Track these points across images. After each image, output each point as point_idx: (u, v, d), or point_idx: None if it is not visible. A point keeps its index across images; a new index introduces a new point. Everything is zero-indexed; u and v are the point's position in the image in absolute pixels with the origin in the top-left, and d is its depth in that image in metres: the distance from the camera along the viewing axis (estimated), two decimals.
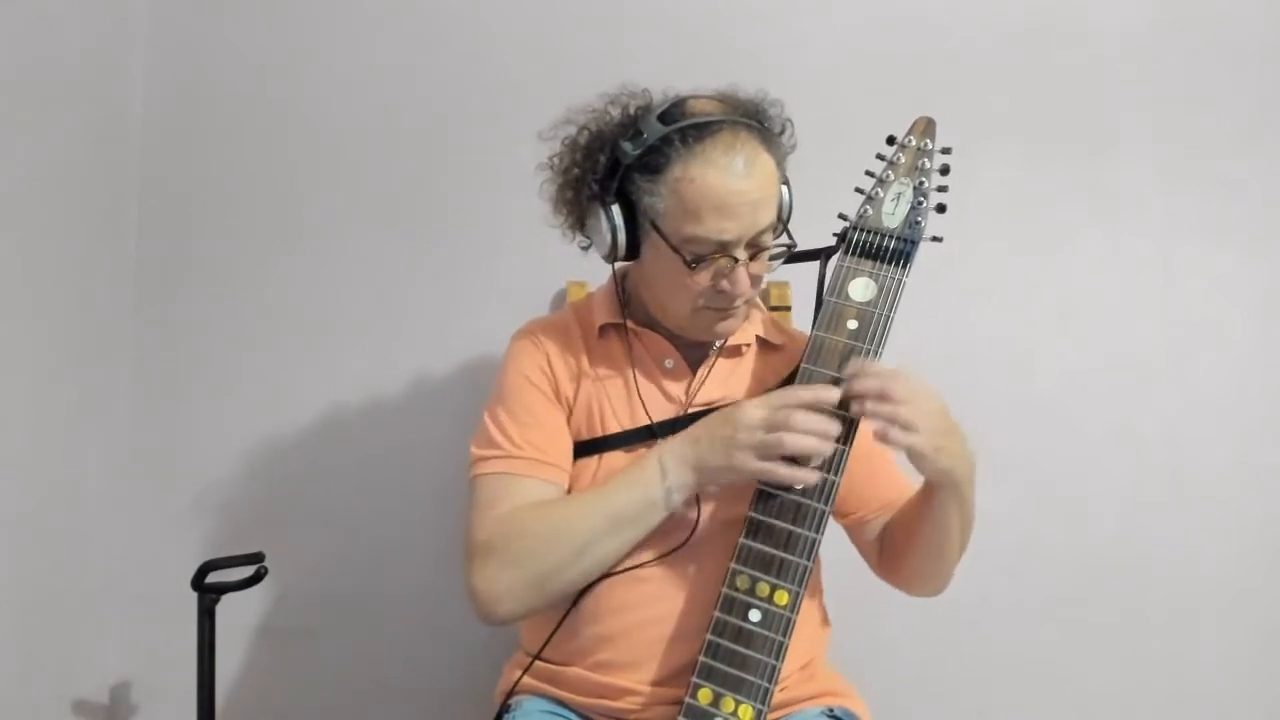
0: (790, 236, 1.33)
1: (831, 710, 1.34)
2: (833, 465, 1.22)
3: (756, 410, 1.22)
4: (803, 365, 1.27)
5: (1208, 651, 1.84)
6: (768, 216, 1.27)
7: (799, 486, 1.21)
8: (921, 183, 1.29)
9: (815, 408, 1.21)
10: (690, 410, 1.36)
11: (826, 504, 1.22)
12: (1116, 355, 1.86)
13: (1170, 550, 1.84)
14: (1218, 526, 1.84)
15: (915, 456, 1.21)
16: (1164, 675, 1.84)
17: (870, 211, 1.30)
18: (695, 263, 1.26)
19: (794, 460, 1.21)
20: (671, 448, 1.28)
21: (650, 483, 1.26)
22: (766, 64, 1.63)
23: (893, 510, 1.40)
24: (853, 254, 1.29)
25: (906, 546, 1.38)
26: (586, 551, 1.27)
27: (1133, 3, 1.88)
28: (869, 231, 1.29)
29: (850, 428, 1.23)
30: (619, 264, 1.38)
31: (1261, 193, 1.86)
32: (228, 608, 1.56)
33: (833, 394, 1.21)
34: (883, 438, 1.19)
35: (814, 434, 1.20)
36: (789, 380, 1.31)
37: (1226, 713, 1.84)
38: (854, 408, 1.21)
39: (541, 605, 1.31)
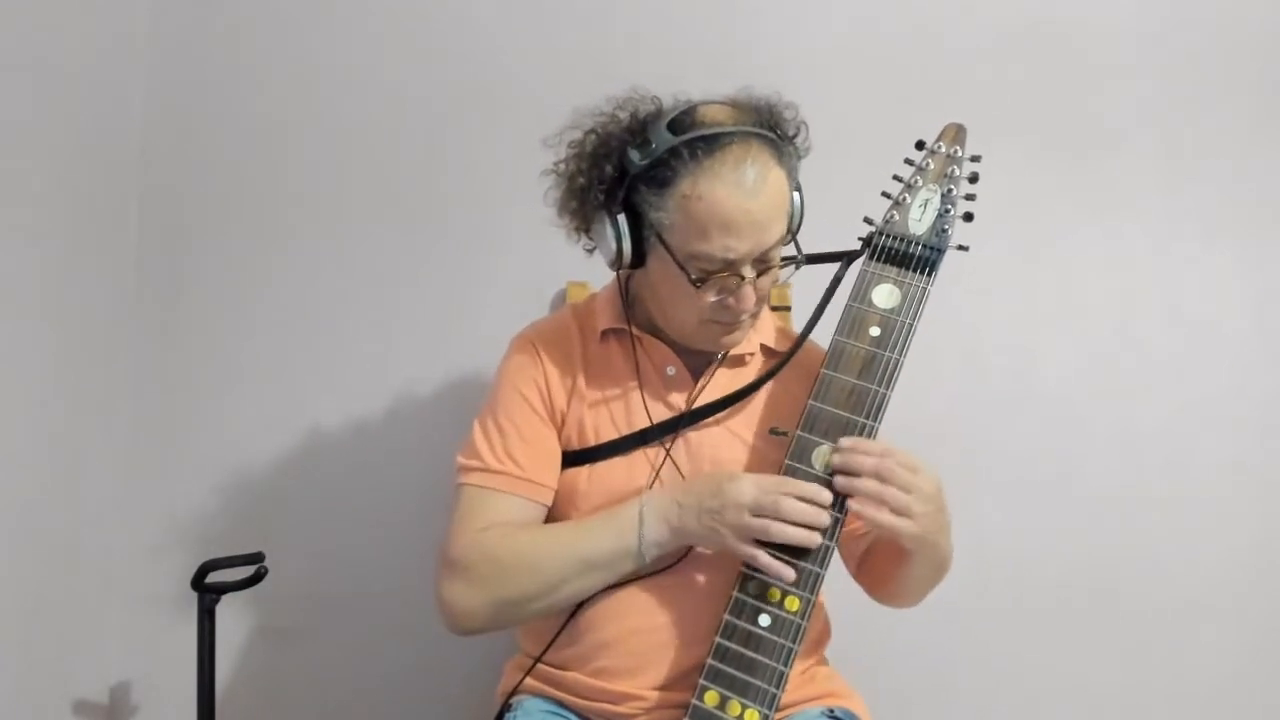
0: (798, 248, 1.31)
1: (832, 711, 1.34)
2: (835, 504, 1.22)
3: (748, 490, 1.21)
4: (823, 371, 1.26)
5: (1208, 650, 1.84)
6: (777, 233, 1.25)
7: (777, 578, 1.20)
8: (950, 190, 1.28)
9: (807, 499, 1.20)
10: (690, 410, 1.34)
11: (841, 511, 1.21)
12: (1116, 355, 1.86)
13: (1170, 549, 1.84)
14: (1218, 525, 1.84)
15: (900, 538, 1.22)
16: (1164, 674, 1.85)
17: (897, 217, 1.29)
18: (701, 280, 1.24)
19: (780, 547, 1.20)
20: (655, 502, 1.26)
21: (627, 533, 1.25)
22: (765, 64, 1.63)
23: None
24: (878, 259, 1.28)
25: (881, 580, 1.40)
26: (554, 589, 1.27)
27: (1133, 3, 1.88)
28: (895, 237, 1.28)
29: (843, 498, 1.22)
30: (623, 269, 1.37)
31: (1261, 193, 1.86)
32: (228, 608, 1.56)
33: (825, 495, 1.20)
34: (869, 518, 1.19)
35: (802, 524, 1.19)
36: (780, 368, 1.31)
37: (1227, 712, 1.84)
38: (839, 481, 1.20)
39: (504, 626, 1.33)
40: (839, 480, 1.21)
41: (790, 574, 1.19)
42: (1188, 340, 1.86)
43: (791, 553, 1.20)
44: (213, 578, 1.55)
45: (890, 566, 1.34)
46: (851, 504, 1.21)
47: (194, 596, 1.54)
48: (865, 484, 1.19)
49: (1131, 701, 1.85)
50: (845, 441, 1.22)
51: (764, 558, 1.19)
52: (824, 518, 1.20)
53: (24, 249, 1.65)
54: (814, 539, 1.19)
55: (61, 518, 1.77)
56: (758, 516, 1.19)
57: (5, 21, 1.59)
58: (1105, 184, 1.87)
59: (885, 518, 1.18)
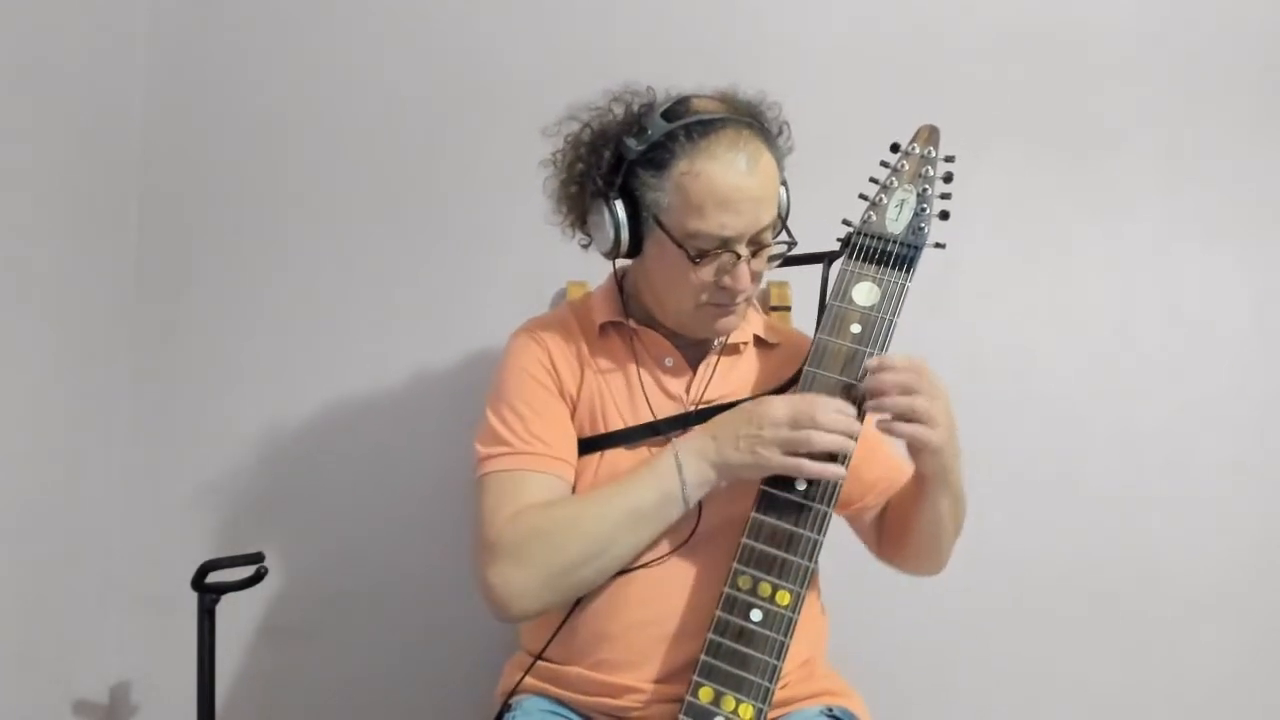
0: (790, 235, 1.33)
1: (830, 709, 1.34)
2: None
3: (781, 407, 1.23)
4: (806, 368, 1.27)
5: (1208, 650, 1.84)
6: (769, 214, 1.28)
7: (826, 480, 1.22)
8: (925, 190, 1.30)
9: (840, 409, 1.22)
10: (697, 408, 1.36)
11: (829, 505, 1.22)
12: (1116, 355, 1.86)
13: (1170, 550, 1.84)
14: (1218, 525, 1.84)
15: (924, 449, 1.23)
16: (1164, 674, 1.85)
17: (874, 217, 1.31)
18: (699, 258, 1.27)
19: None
20: (687, 445, 1.28)
21: (667, 479, 1.26)
22: (765, 65, 1.63)
23: (890, 494, 1.42)
24: (856, 258, 1.30)
25: (903, 534, 1.40)
26: (603, 549, 1.26)
27: (1133, 3, 1.88)
28: (873, 237, 1.30)
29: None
30: (618, 262, 1.39)
31: (1261, 193, 1.86)
32: (228, 608, 1.56)
33: (850, 407, 1.23)
34: (898, 432, 1.21)
35: (840, 431, 1.21)
36: (792, 381, 1.31)
37: (1227, 712, 1.84)
38: (870, 402, 1.22)
39: (559, 602, 1.30)
40: (869, 403, 1.22)
41: (841, 470, 1.21)
42: (1188, 340, 1.86)
43: (800, 507, 1.22)
44: (213, 578, 1.54)
45: (909, 511, 1.36)
46: (878, 422, 1.23)
47: (194, 596, 1.54)
48: (895, 399, 1.20)
49: (1131, 701, 1.84)
50: (870, 362, 1.23)
51: (810, 464, 1.20)
52: (856, 425, 1.22)
53: (24, 249, 1.66)
54: (852, 446, 1.21)
55: (61, 518, 1.78)
56: (798, 429, 1.21)
57: (5, 21, 1.59)
58: (1105, 184, 1.87)
59: (905, 428, 1.20)
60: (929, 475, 1.27)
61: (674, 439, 1.30)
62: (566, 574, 1.26)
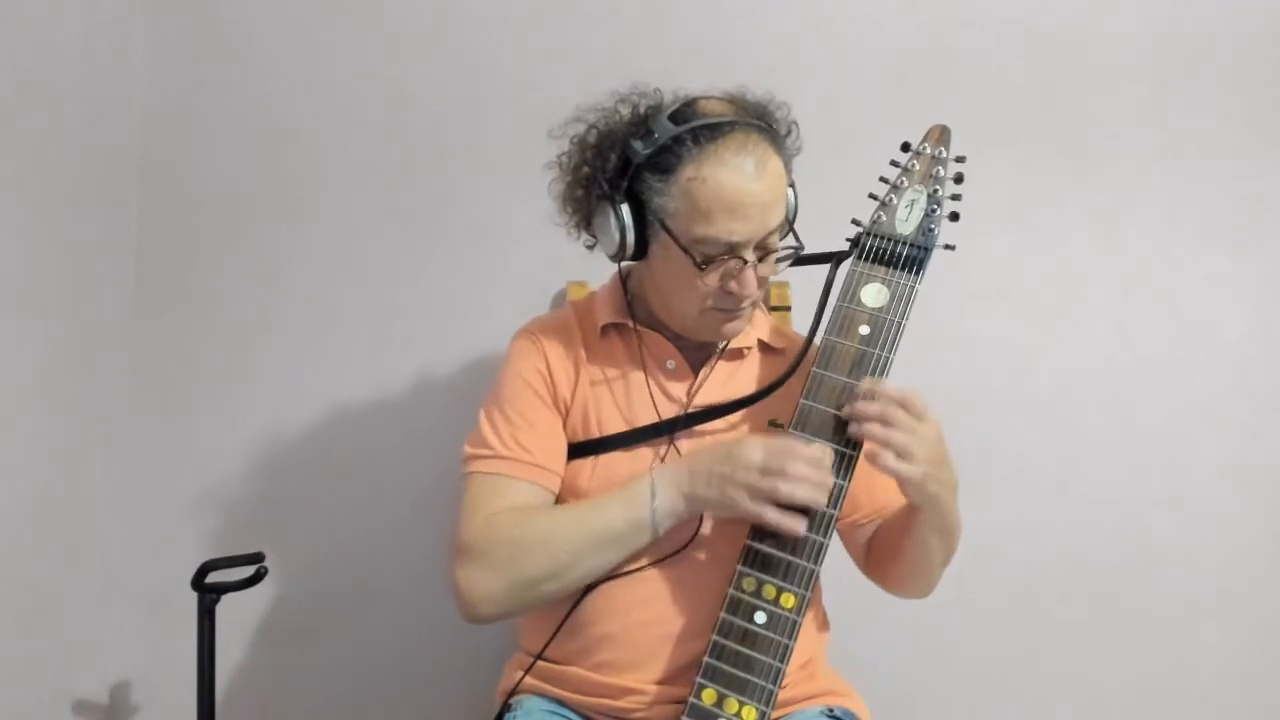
0: (797, 238, 1.33)
1: (831, 710, 1.34)
2: (841, 471, 1.22)
3: (755, 452, 1.22)
4: (813, 369, 1.26)
5: (1209, 650, 1.84)
6: (777, 218, 1.27)
7: (787, 533, 1.21)
8: (935, 190, 1.29)
9: (813, 461, 1.21)
10: (691, 410, 1.36)
11: (835, 509, 1.22)
12: (1116, 355, 1.86)
13: (1170, 549, 1.85)
14: (1217, 525, 1.85)
15: (902, 482, 1.22)
16: (1165, 674, 1.85)
17: (884, 218, 1.30)
18: (705, 263, 1.26)
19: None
20: (665, 473, 1.28)
21: (640, 505, 1.26)
22: (769, 66, 1.63)
23: (885, 515, 1.41)
24: (866, 259, 1.29)
25: (890, 557, 1.39)
26: (569, 566, 1.27)
27: (1133, 3, 1.88)
28: (882, 237, 1.29)
29: (851, 460, 1.23)
30: (623, 263, 1.39)
31: (1261, 193, 1.86)
32: (228, 608, 1.55)
33: (827, 460, 1.22)
34: (873, 460, 1.20)
35: (809, 484, 1.20)
36: (786, 378, 1.31)
37: (1227, 712, 1.84)
38: (852, 428, 1.21)
39: (522, 609, 1.32)
40: (851, 427, 1.22)
41: (801, 528, 1.20)
42: (1187, 340, 1.86)
43: (805, 510, 1.21)
44: (213, 578, 1.54)
45: (898, 537, 1.35)
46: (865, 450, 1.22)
47: (194, 596, 1.54)
48: (868, 427, 1.20)
49: (1132, 700, 1.85)
50: (863, 385, 1.22)
51: (773, 513, 1.20)
52: (828, 480, 1.21)
53: (23, 249, 1.66)
54: (820, 499, 1.20)
55: (62, 518, 1.77)
56: (767, 477, 1.20)
57: (5, 22, 1.59)
58: (1105, 184, 1.87)
59: (885, 459, 1.19)
60: (915, 508, 1.27)
61: (654, 466, 1.30)
62: (531, 586, 1.27)
